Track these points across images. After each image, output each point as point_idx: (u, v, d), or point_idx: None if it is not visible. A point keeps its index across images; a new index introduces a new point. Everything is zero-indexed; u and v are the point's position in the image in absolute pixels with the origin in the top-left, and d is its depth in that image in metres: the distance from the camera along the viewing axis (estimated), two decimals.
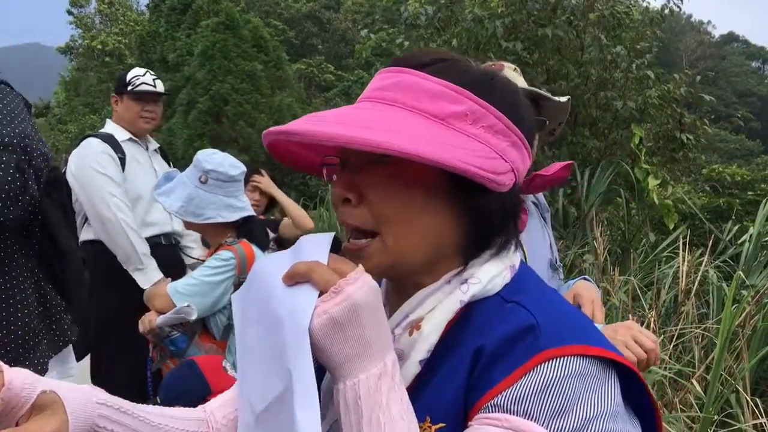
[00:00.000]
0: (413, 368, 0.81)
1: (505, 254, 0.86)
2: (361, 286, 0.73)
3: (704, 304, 4.67)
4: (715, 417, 3.35)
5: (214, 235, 2.68)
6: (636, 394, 0.79)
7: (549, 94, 1.80)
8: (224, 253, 2.59)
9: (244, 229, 2.69)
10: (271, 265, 0.80)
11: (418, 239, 0.81)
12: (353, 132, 0.73)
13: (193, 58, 18.25)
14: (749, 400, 3.35)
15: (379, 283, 0.91)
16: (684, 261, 4.70)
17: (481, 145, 0.79)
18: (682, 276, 4.62)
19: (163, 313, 2.50)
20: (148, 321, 2.53)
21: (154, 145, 3.78)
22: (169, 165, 3.83)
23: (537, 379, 0.71)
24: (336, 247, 0.80)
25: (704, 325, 4.14)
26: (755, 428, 3.27)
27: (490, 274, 0.83)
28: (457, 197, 0.81)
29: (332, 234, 0.82)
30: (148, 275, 3.39)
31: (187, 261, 3.66)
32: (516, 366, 0.72)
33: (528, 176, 0.91)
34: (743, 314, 3.85)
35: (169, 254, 3.59)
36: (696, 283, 4.55)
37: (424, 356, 0.81)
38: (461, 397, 0.76)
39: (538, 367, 0.72)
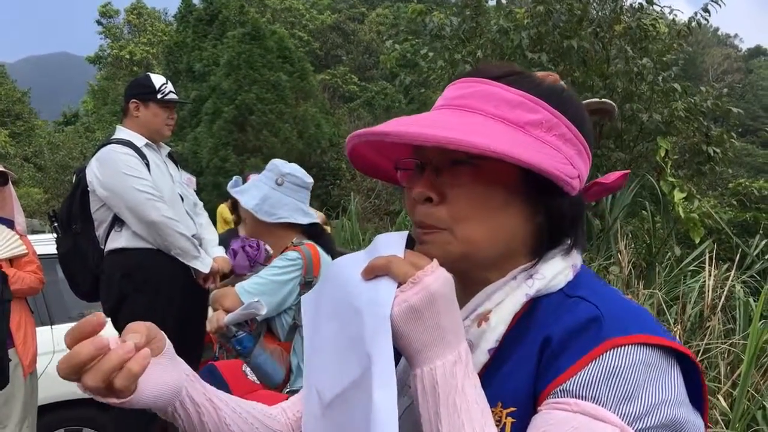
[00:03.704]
0: (482, 357, 0.86)
1: (570, 254, 0.91)
2: (437, 277, 0.77)
3: (731, 319, 4.60)
4: None
5: (280, 237, 2.74)
6: (691, 385, 0.81)
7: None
8: (291, 254, 2.65)
9: (312, 233, 2.78)
10: (347, 263, 0.85)
11: (492, 236, 0.86)
12: (451, 133, 0.78)
13: (219, 68, 18.45)
14: None
15: None
16: (710, 275, 4.64)
17: (554, 151, 0.85)
18: (708, 291, 4.56)
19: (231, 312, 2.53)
20: (216, 320, 2.56)
21: (166, 150, 3.79)
22: (179, 168, 3.85)
23: (603, 365, 0.75)
24: (410, 245, 0.85)
25: (730, 341, 4.08)
26: None
27: (554, 271, 0.88)
28: (533, 198, 0.87)
29: (406, 233, 0.86)
30: (205, 260, 3.50)
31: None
32: (582, 354, 0.76)
33: (587, 184, 0.94)
34: None
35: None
36: (722, 298, 4.49)
37: (493, 345, 0.85)
38: (530, 384, 0.80)
39: (605, 354, 0.75)
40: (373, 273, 0.79)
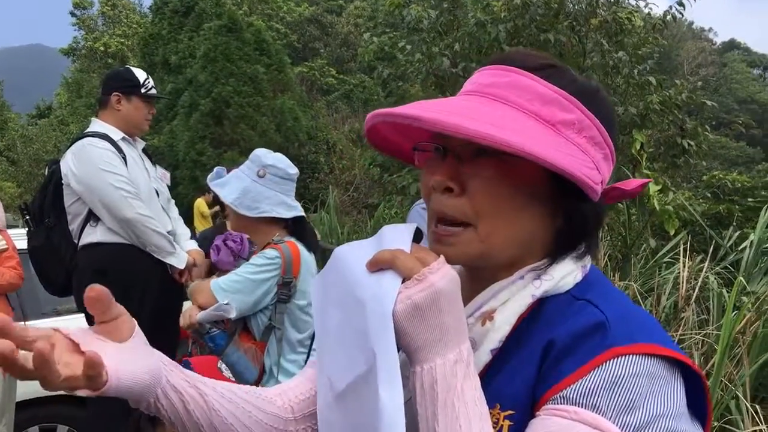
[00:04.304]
0: (484, 357, 0.83)
1: (582, 257, 0.88)
2: (443, 275, 0.76)
3: (704, 310, 4.66)
4: (715, 423, 3.35)
5: (263, 232, 2.66)
6: (693, 397, 0.79)
7: None
8: (270, 252, 2.57)
9: (295, 229, 2.69)
10: (353, 252, 0.82)
11: (511, 236, 0.83)
12: (486, 128, 0.74)
13: (196, 61, 18.27)
14: (749, 406, 3.34)
15: None
16: (684, 267, 4.70)
17: (583, 154, 0.82)
18: (683, 282, 4.62)
19: (205, 309, 2.48)
20: (189, 316, 2.51)
21: (141, 144, 3.74)
22: (154, 164, 3.81)
23: (606, 374, 0.73)
24: (417, 238, 0.82)
25: (704, 331, 4.13)
26: None
27: (563, 272, 0.85)
28: (555, 200, 0.84)
29: (414, 225, 0.83)
30: (180, 256, 3.47)
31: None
32: (585, 361, 0.74)
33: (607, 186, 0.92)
34: (743, 320, 3.84)
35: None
36: (696, 289, 4.55)
37: (496, 346, 0.83)
38: (530, 388, 0.78)
39: (608, 363, 0.73)
40: (377, 266, 0.77)
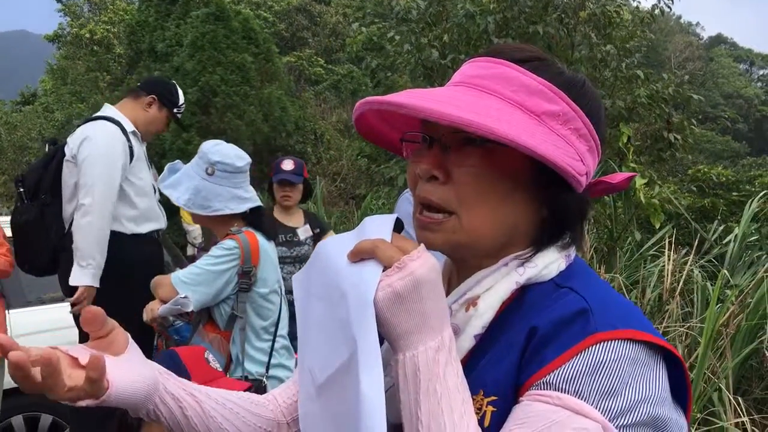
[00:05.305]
0: (468, 342, 0.84)
1: (567, 248, 0.89)
2: (423, 263, 0.76)
3: (689, 303, 4.69)
4: (698, 415, 3.38)
5: (221, 226, 2.66)
6: (674, 383, 0.80)
7: None
8: (228, 243, 2.57)
9: (252, 219, 2.68)
10: (335, 244, 0.83)
11: (495, 225, 0.84)
12: (470, 115, 0.75)
13: (183, 49, 18.08)
14: (731, 398, 3.37)
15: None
16: (669, 260, 4.73)
17: (567, 145, 0.83)
18: (667, 275, 4.65)
19: (167, 302, 2.48)
20: (151, 310, 2.52)
21: (145, 143, 3.78)
22: (150, 164, 3.83)
23: (588, 359, 0.73)
24: (397, 228, 0.83)
25: (688, 324, 4.16)
26: (737, 426, 3.30)
27: (546, 261, 0.86)
28: (540, 191, 0.84)
29: (395, 215, 0.84)
30: (81, 275, 3.30)
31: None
32: (568, 347, 0.75)
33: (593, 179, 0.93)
34: (727, 313, 3.88)
35: (159, 248, 3.65)
36: (681, 282, 4.58)
37: (479, 332, 0.84)
38: (513, 374, 0.78)
39: (590, 348, 0.74)
40: (359, 256, 0.78)
